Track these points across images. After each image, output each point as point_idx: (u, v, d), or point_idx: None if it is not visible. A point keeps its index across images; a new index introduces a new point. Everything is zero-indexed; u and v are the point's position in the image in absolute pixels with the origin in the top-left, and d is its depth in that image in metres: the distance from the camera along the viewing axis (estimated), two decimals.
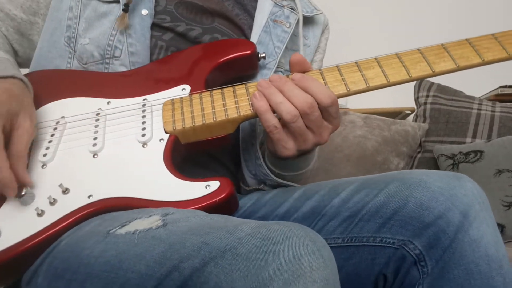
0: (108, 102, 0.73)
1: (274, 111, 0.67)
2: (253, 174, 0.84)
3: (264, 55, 0.80)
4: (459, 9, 2.25)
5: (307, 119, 0.66)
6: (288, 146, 0.68)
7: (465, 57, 0.68)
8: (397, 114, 1.98)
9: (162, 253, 0.49)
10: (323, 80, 0.69)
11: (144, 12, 0.78)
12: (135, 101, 0.73)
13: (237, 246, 0.45)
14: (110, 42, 0.77)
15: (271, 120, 0.67)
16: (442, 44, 0.70)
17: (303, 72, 0.71)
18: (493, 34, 0.70)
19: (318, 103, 0.66)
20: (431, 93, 1.82)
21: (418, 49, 0.70)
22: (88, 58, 0.78)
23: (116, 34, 0.77)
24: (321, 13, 0.94)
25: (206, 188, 0.63)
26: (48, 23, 0.83)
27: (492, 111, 1.78)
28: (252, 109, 0.68)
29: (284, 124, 0.67)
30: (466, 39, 0.70)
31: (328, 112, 0.67)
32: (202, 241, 0.47)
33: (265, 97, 0.67)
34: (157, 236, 0.51)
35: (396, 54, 0.70)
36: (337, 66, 0.70)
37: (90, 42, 0.78)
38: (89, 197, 0.64)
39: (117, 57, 0.77)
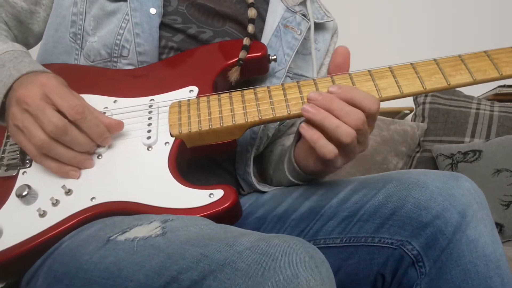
0: (115, 101, 0.72)
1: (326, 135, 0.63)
2: (243, 178, 0.84)
3: (275, 57, 0.79)
4: (471, 18, 2.25)
5: (359, 134, 0.62)
6: (338, 165, 0.66)
7: (482, 71, 0.65)
8: (396, 114, 1.98)
9: (161, 263, 0.48)
10: None
11: (152, 11, 0.77)
12: (142, 101, 0.72)
13: (237, 260, 0.45)
14: (118, 41, 0.76)
15: (328, 146, 0.61)
16: (459, 56, 0.67)
17: (342, 65, 0.68)
18: None
19: (365, 111, 0.62)
20: (429, 93, 1.83)
21: (434, 60, 0.67)
22: (95, 56, 0.77)
23: (123, 33, 0.76)
24: (332, 20, 0.93)
25: (210, 196, 0.62)
26: (52, 18, 0.82)
27: (490, 110, 1.79)
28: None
29: (339, 145, 0.62)
30: (485, 52, 0.67)
31: (373, 117, 0.64)
32: (201, 253, 0.47)
33: (316, 124, 0.62)
34: (156, 245, 0.51)
35: (411, 64, 0.67)
36: (349, 74, 0.68)
37: (98, 40, 0.77)
38: (92, 199, 0.63)
39: (125, 56, 0.76)
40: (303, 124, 0.63)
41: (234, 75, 0.75)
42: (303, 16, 0.88)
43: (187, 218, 0.58)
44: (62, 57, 0.80)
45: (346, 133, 0.60)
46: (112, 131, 0.67)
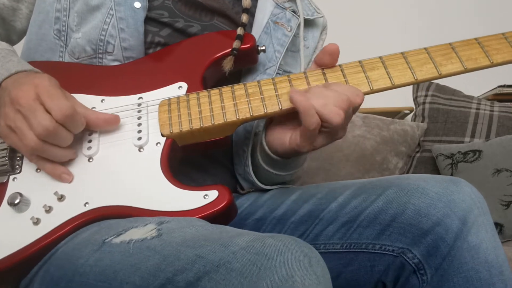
0: (102, 100, 0.71)
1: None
2: (243, 177, 0.84)
3: (264, 48, 0.78)
4: (462, 6, 2.25)
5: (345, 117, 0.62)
6: (317, 144, 0.65)
7: (473, 59, 0.65)
8: (395, 114, 1.98)
9: (156, 265, 0.48)
10: (326, 81, 0.67)
11: (137, 4, 0.75)
12: (130, 100, 0.71)
13: (231, 260, 0.45)
14: (102, 37, 0.74)
15: (315, 117, 0.61)
16: (450, 44, 0.67)
17: (328, 64, 0.68)
18: (503, 34, 0.67)
19: (350, 103, 0.62)
20: (429, 93, 1.82)
21: (425, 49, 0.67)
22: (80, 52, 0.76)
23: (108, 28, 0.74)
24: (322, 16, 0.93)
25: (204, 198, 0.61)
26: (35, 15, 0.80)
27: (490, 110, 1.78)
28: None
29: (325, 125, 0.63)
30: (475, 39, 0.66)
31: (356, 108, 0.65)
32: (196, 254, 0.46)
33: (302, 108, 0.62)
34: (152, 247, 0.51)
35: (402, 54, 0.67)
36: (340, 66, 0.67)
37: (82, 36, 0.75)
38: (85, 204, 0.62)
39: (110, 52, 0.75)
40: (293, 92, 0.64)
41: (228, 65, 0.74)
42: (293, 13, 0.86)
43: (183, 219, 0.57)
44: (46, 55, 0.79)
45: (335, 111, 0.61)
46: (108, 126, 0.67)
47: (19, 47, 0.85)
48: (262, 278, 0.43)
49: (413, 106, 1.90)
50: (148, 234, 0.53)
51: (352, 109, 0.64)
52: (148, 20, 0.77)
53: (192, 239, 0.50)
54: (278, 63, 0.82)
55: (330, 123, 0.61)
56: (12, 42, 0.86)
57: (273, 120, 0.72)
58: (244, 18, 0.79)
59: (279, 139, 0.70)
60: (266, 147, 0.72)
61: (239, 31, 0.76)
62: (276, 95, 0.67)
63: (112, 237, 0.55)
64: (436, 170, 1.69)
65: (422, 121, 1.80)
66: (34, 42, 0.80)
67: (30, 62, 0.71)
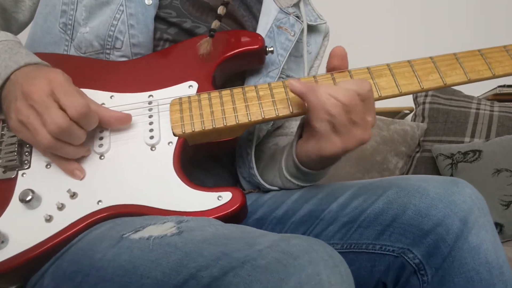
0: (111, 96, 0.70)
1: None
2: (248, 180, 0.84)
3: (272, 49, 0.78)
4: (464, 15, 2.26)
5: (352, 111, 0.62)
6: (336, 147, 0.65)
7: (476, 71, 0.68)
8: (395, 114, 1.98)
9: (178, 261, 0.48)
10: None
11: (148, 1, 0.75)
12: (141, 98, 0.70)
13: (257, 257, 0.45)
14: (111, 33, 0.74)
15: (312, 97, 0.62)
16: (454, 54, 0.70)
17: (339, 67, 0.69)
18: (504, 47, 0.70)
19: (358, 94, 0.62)
20: (429, 93, 1.83)
21: (431, 58, 0.69)
22: (87, 47, 0.75)
23: (117, 24, 0.74)
24: (325, 22, 0.93)
25: (218, 199, 0.62)
26: (41, 7, 0.79)
27: (490, 110, 1.79)
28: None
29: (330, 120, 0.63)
30: (478, 50, 0.70)
31: (369, 100, 0.64)
32: (220, 251, 0.47)
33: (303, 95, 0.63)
34: (173, 244, 0.51)
35: (409, 62, 0.69)
36: (349, 72, 0.69)
37: (90, 31, 0.74)
38: (98, 202, 0.62)
39: (118, 48, 0.74)
40: (292, 81, 0.65)
41: (203, 46, 0.74)
42: (296, 18, 0.87)
43: (201, 219, 0.58)
44: (50, 48, 0.77)
45: (332, 102, 0.61)
46: (120, 124, 0.67)
47: (21, 39, 0.83)
48: (290, 275, 0.44)
49: (413, 106, 1.91)
50: (168, 231, 0.53)
51: (362, 100, 0.63)
52: (156, 18, 0.76)
53: (213, 238, 0.50)
54: (281, 67, 0.82)
55: (328, 112, 0.61)
56: (11, 33, 0.85)
57: (302, 136, 0.71)
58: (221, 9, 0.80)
59: (306, 154, 0.70)
60: (296, 159, 0.72)
61: (220, 10, 0.77)
62: (287, 98, 0.68)
63: (130, 233, 0.55)
64: (436, 170, 1.69)
65: (422, 121, 1.80)
66: (39, 35, 0.79)
67: (37, 54, 0.70)
